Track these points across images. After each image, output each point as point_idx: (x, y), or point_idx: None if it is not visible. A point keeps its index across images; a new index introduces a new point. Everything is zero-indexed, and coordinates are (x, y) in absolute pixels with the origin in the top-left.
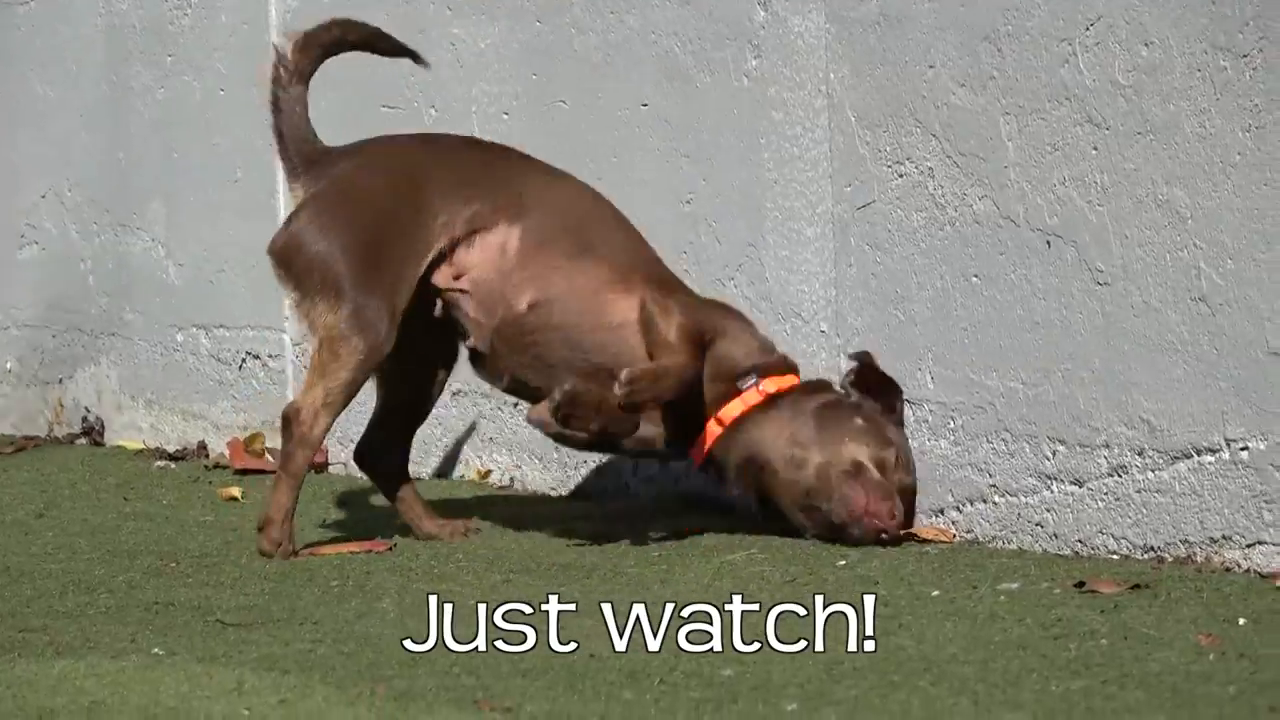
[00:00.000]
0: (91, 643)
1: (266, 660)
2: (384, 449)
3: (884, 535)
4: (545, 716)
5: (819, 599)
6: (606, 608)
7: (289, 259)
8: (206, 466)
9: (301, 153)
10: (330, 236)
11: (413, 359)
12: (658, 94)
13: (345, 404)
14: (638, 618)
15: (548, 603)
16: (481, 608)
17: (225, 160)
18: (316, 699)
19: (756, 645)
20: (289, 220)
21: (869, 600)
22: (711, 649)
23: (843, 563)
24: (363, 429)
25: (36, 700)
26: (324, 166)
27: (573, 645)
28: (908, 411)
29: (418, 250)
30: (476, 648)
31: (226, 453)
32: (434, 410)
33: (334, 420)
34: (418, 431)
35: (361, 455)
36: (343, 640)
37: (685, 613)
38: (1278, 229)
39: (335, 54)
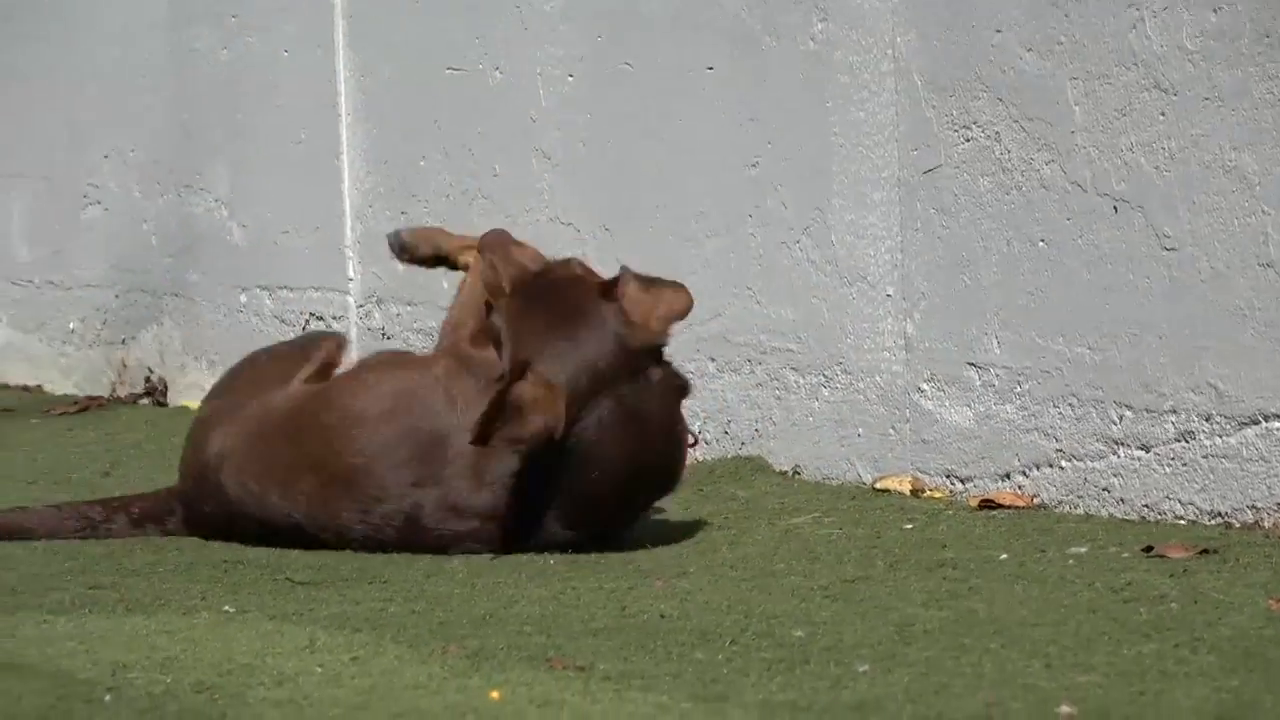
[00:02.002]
0: (162, 600)
1: (337, 619)
2: None
3: None
4: (617, 676)
5: (887, 561)
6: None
7: None
8: None
9: None
10: None
11: None
12: (724, 58)
13: None
14: (707, 581)
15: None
16: (552, 561)
17: (289, 121)
18: (388, 657)
19: (827, 607)
20: None
21: (939, 563)
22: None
23: (910, 525)
24: None
25: (110, 655)
26: None
27: (644, 605)
28: (974, 377)
29: None
30: (548, 606)
31: None
32: None
33: None
34: None
35: None
36: (413, 599)
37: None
38: None
39: None
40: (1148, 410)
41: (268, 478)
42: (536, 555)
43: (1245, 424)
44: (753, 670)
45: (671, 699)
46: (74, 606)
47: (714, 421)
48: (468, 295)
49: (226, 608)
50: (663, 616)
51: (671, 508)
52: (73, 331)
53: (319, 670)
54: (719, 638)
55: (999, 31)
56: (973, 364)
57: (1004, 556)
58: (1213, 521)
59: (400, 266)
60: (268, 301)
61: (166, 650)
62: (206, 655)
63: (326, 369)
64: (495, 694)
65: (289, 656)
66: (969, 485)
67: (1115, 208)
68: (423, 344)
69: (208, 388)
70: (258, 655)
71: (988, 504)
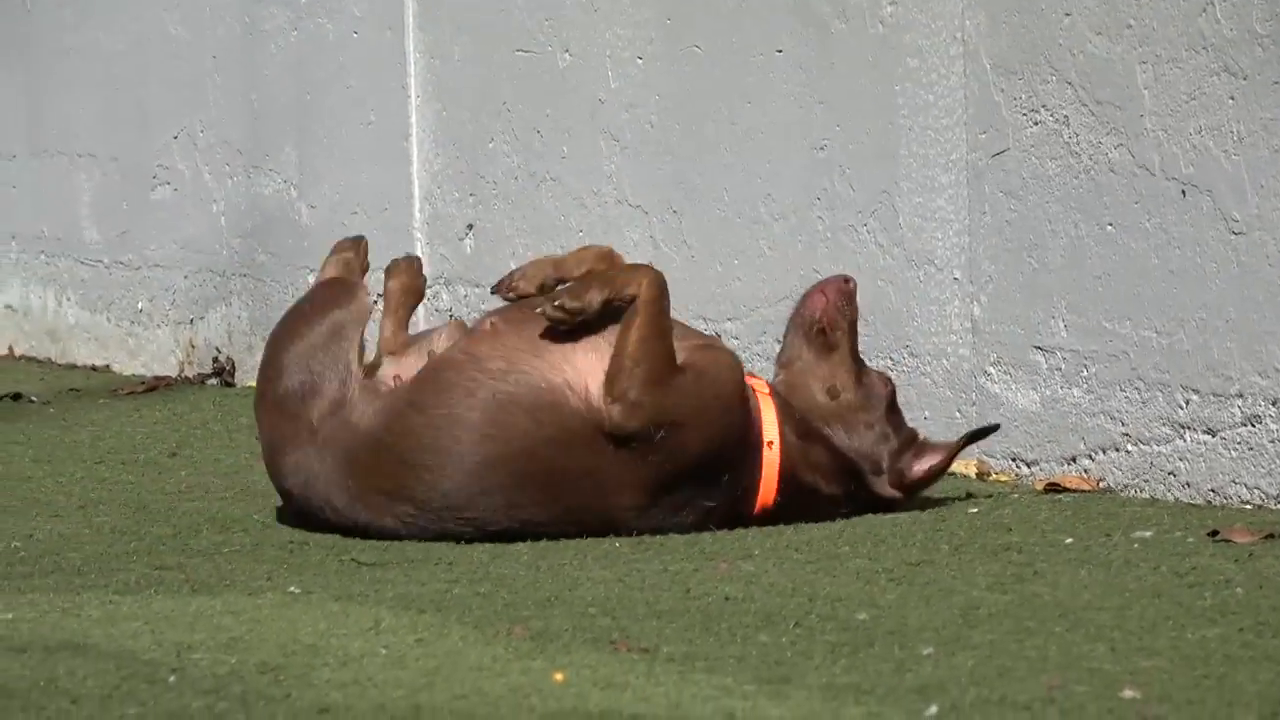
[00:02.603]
0: (228, 580)
1: (402, 600)
2: None
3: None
4: (682, 658)
5: (952, 544)
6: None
7: None
8: None
9: None
10: None
11: None
12: (793, 40)
13: None
14: (771, 564)
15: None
16: (617, 544)
17: (358, 102)
18: (454, 638)
19: (892, 590)
20: None
21: (1003, 546)
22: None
23: (975, 510)
24: None
25: (175, 636)
26: None
27: (708, 587)
28: (1041, 360)
29: None
30: (613, 589)
31: None
32: None
33: None
34: None
35: None
36: (478, 581)
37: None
38: None
39: None
40: (1214, 394)
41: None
42: (601, 537)
43: None
44: (816, 653)
45: (735, 681)
46: (139, 587)
47: None
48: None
49: (292, 588)
50: (727, 599)
51: None
52: (141, 311)
53: (383, 651)
54: (783, 620)
55: (1068, 14)
56: (1039, 347)
57: (1069, 540)
58: (1278, 506)
59: (468, 249)
60: None
61: (231, 631)
62: (271, 636)
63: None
64: (559, 676)
65: (354, 637)
66: (1035, 469)
67: (1183, 191)
68: None
69: None
70: (322, 636)
71: (1053, 487)
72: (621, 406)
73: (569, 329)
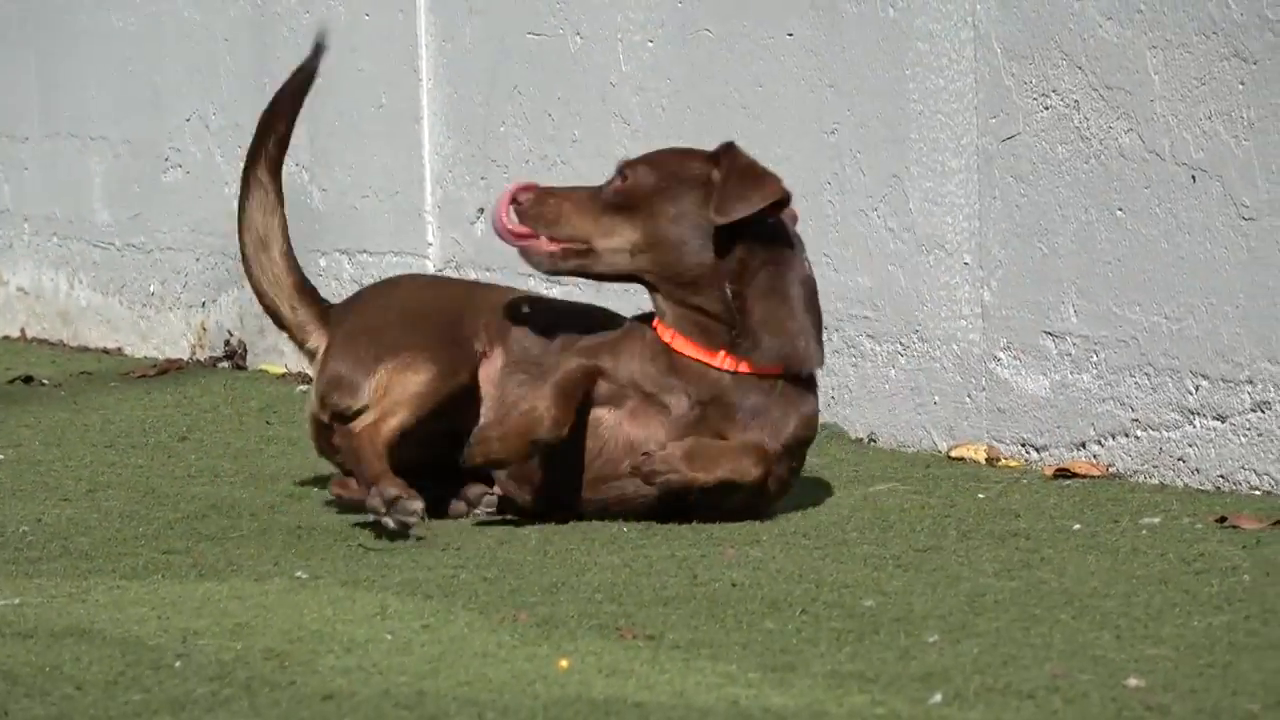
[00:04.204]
0: (235, 565)
1: (409, 585)
2: None
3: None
4: (687, 645)
5: (960, 530)
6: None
7: None
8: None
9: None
10: None
11: None
12: (803, 24)
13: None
14: (778, 549)
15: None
16: (625, 529)
17: (370, 85)
18: (459, 624)
19: (898, 577)
20: None
21: (1011, 533)
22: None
23: (983, 495)
24: None
25: (181, 621)
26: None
27: (714, 573)
28: (1051, 345)
29: None
30: (619, 574)
31: None
32: None
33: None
34: None
35: None
36: (485, 566)
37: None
38: None
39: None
40: (1224, 380)
41: None
42: (610, 522)
43: None
44: (822, 640)
45: (739, 669)
46: (147, 571)
47: None
48: None
49: (299, 573)
50: (734, 585)
51: None
52: (153, 294)
53: (389, 638)
54: (789, 607)
55: None
56: (1049, 332)
57: (1076, 526)
58: None
59: (479, 232)
60: (347, 265)
61: (238, 616)
62: (277, 622)
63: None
64: (564, 663)
65: (360, 623)
66: (1044, 454)
67: (1193, 177)
68: None
69: (286, 351)
70: (328, 622)
71: (1062, 473)
72: None
73: None
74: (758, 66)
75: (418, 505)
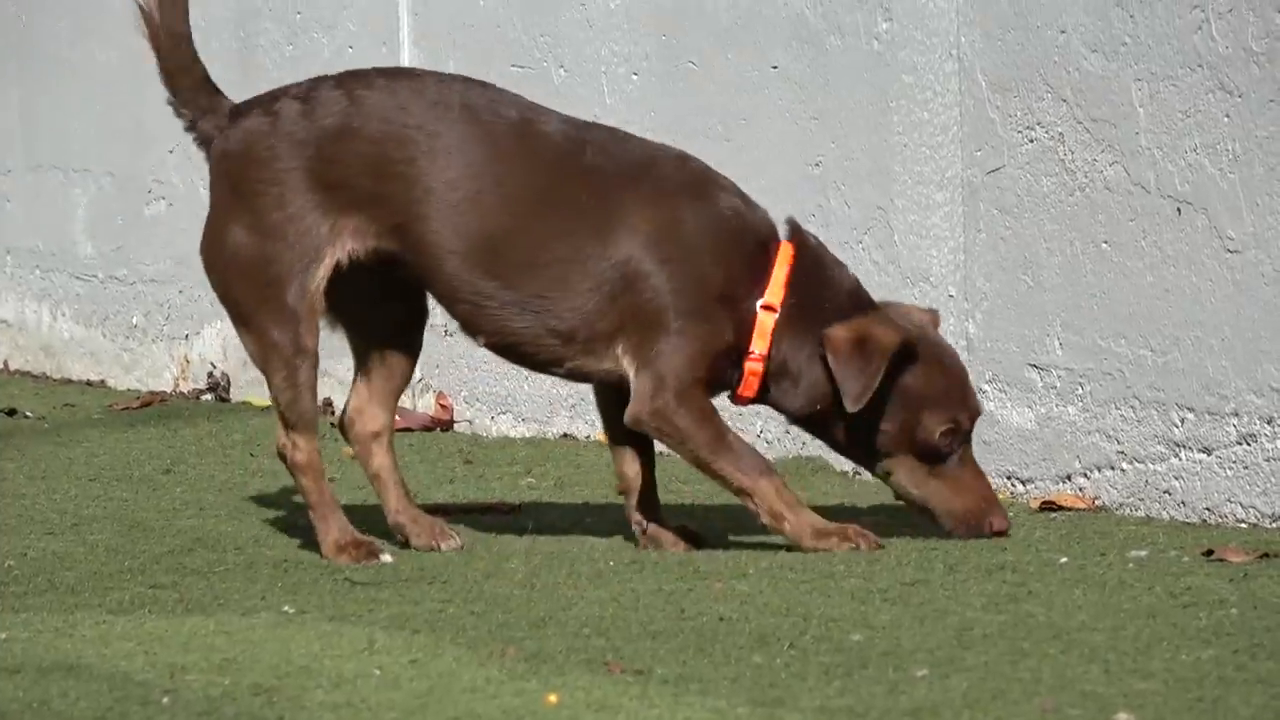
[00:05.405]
0: (221, 600)
1: (397, 619)
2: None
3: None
4: (675, 680)
5: (946, 564)
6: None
7: None
8: (332, 424)
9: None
10: None
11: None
12: (788, 56)
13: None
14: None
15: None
16: (611, 562)
17: None
18: (447, 659)
19: (886, 610)
20: None
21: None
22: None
23: None
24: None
25: (168, 656)
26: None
27: (702, 607)
28: (1036, 378)
29: None
30: (607, 608)
31: None
32: None
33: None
34: None
35: (342, 423)
36: (472, 600)
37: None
38: None
39: None
40: (1209, 413)
41: None
42: (596, 556)
43: None
44: (810, 674)
45: (728, 704)
46: (133, 606)
47: (775, 421)
48: None
49: (286, 608)
50: (721, 619)
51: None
52: (136, 327)
53: (377, 672)
54: (777, 641)
55: (1063, 32)
56: (1034, 365)
57: (1063, 560)
58: (1274, 525)
59: None
60: None
61: (225, 651)
62: (265, 657)
63: None
64: (552, 698)
65: (348, 658)
66: (1030, 487)
67: (1179, 209)
68: None
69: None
70: (316, 657)
71: (1048, 505)
72: None
73: None
74: (742, 99)
75: None
